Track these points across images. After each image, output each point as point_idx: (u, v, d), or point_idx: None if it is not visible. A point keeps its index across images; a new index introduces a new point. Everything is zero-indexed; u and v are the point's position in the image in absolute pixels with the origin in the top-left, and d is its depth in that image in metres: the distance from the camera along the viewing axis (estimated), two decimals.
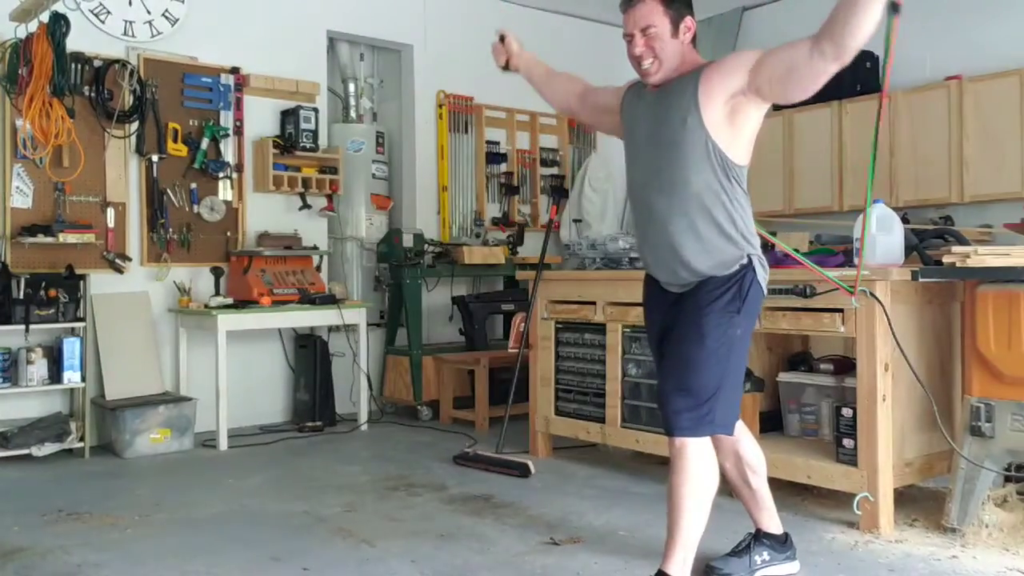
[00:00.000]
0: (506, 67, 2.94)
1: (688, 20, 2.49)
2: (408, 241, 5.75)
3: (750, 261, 2.50)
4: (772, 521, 2.82)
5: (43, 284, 4.52)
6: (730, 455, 2.72)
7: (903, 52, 6.36)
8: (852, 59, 2.22)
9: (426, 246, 5.93)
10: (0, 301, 4.44)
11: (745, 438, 2.74)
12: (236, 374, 5.06)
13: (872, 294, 3.04)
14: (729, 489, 2.83)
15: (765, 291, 2.58)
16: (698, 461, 2.44)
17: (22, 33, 4.39)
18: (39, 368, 4.52)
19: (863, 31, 2.14)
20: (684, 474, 2.44)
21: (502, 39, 2.91)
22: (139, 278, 5.10)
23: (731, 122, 2.43)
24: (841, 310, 3.19)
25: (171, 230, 5.18)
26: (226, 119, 5.41)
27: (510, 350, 4.90)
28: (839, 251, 3.57)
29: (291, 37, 5.70)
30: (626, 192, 2.74)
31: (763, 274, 2.54)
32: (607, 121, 2.85)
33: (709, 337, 2.44)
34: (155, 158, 5.11)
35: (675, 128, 2.46)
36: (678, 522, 2.45)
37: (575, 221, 6.77)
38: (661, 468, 2.59)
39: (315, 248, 5.62)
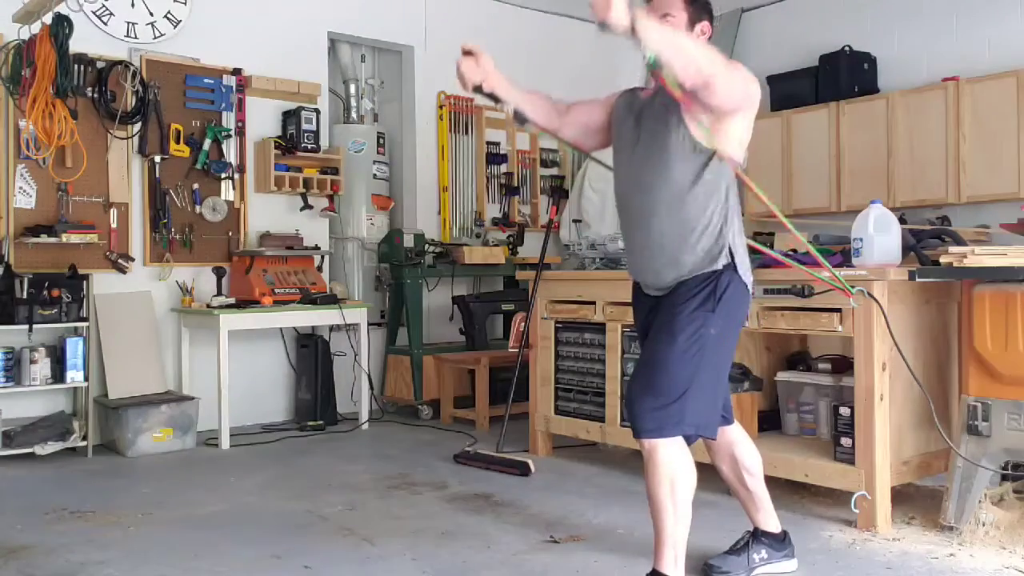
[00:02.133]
0: (478, 88, 2.51)
1: (705, 24, 2.54)
2: (409, 241, 5.77)
3: (731, 262, 2.51)
4: (770, 520, 2.83)
5: (46, 284, 4.54)
6: (726, 458, 2.74)
7: (901, 52, 6.40)
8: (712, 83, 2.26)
9: (427, 246, 5.95)
10: (3, 301, 4.46)
11: (742, 441, 2.75)
12: (238, 373, 5.08)
13: (870, 294, 3.06)
14: (727, 488, 2.85)
15: (751, 292, 2.60)
16: (668, 462, 2.43)
17: (25, 34, 4.40)
18: (42, 367, 4.54)
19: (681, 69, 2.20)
20: (657, 477, 2.44)
21: (469, 53, 2.47)
22: (142, 278, 5.13)
23: (717, 125, 2.45)
24: (839, 310, 3.21)
25: (173, 230, 5.20)
26: (228, 120, 5.43)
27: (510, 350, 4.92)
28: (837, 252, 3.59)
29: (292, 38, 5.72)
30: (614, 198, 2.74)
31: (746, 275, 2.55)
32: (591, 140, 2.79)
33: (680, 336, 2.44)
34: (157, 159, 5.14)
35: (661, 132, 2.48)
36: (662, 523, 2.46)
37: (575, 221, 6.78)
38: None
39: (316, 248, 5.64)
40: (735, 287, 2.50)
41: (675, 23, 2.49)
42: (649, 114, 2.54)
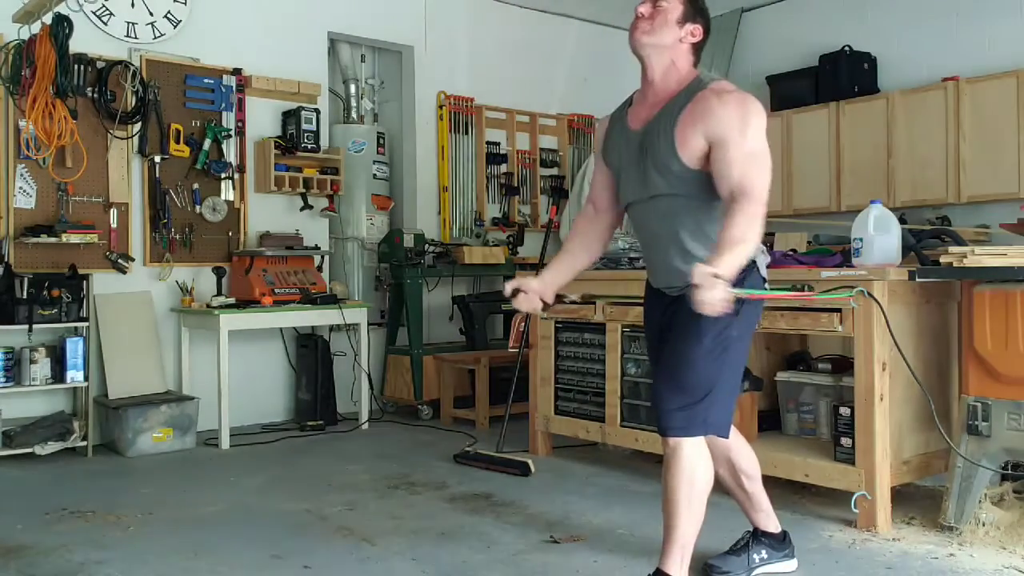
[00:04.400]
0: (545, 306, 2.69)
1: (697, 27, 2.49)
2: (409, 241, 5.77)
3: (751, 265, 2.50)
4: (769, 521, 2.83)
5: (46, 284, 4.54)
6: (723, 462, 2.73)
7: (901, 52, 6.40)
8: None
9: (427, 246, 5.95)
10: (4, 301, 4.46)
11: (738, 446, 2.74)
12: (238, 373, 5.08)
13: (870, 294, 3.06)
14: (725, 489, 2.85)
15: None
16: (693, 461, 2.43)
17: (25, 34, 4.41)
18: (42, 367, 4.54)
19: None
20: (679, 475, 2.43)
21: (515, 292, 2.65)
22: (142, 278, 5.13)
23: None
24: (839, 310, 3.21)
25: (173, 230, 5.20)
26: (228, 120, 5.43)
27: (510, 350, 4.92)
28: (837, 251, 3.59)
29: (292, 38, 5.72)
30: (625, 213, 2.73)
31: (761, 279, 2.54)
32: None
33: (706, 337, 2.43)
34: (157, 159, 5.13)
35: (662, 173, 2.44)
36: (674, 521, 2.46)
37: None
38: (660, 466, 2.60)
39: (316, 248, 5.64)
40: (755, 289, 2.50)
41: (667, 9, 2.45)
42: (649, 142, 2.48)
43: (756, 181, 2.28)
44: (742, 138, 2.31)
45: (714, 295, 2.06)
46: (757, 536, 2.82)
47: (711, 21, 2.56)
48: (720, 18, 7.03)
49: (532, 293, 2.62)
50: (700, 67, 2.53)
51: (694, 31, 2.49)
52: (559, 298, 2.73)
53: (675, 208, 2.47)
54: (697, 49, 2.51)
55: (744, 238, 2.22)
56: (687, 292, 2.51)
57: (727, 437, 2.60)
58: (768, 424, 3.83)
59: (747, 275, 2.49)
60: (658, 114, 2.47)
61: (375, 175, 6.21)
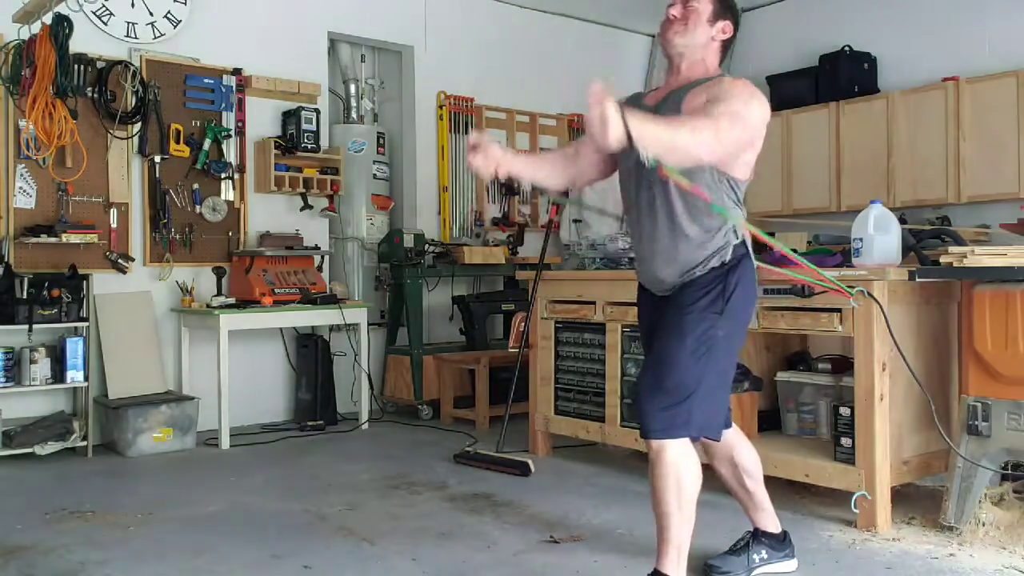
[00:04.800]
0: (495, 178, 2.56)
1: (728, 23, 2.55)
2: (409, 241, 5.77)
3: (738, 263, 2.50)
4: (770, 520, 2.83)
5: (46, 284, 4.54)
6: (725, 461, 2.73)
7: (901, 52, 6.40)
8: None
9: (427, 246, 5.95)
10: (4, 301, 4.46)
11: (740, 444, 2.74)
12: (238, 373, 5.08)
13: (870, 294, 3.06)
14: (727, 488, 2.85)
15: (757, 293, 2.60)
16: (678, 463, 2.40)
17: (25, 34, 4.41)
18: (42, 367, 4.54)
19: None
20: (665, 478, 2.41)
21: (474, 147, 2.45)
22: (142, 278, 5.13)
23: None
24: (839, 310, 3.21)
25: (173, 230, 5.20)
26: (228, 120, 5.43)
27: (510, 350, 4.92)
28: (837, 251, 3.59)
29: (292, 38, 5.72)
30: (622, 206, 2.73)
31: (751, 277, 2.54)
32: (607, 167, 2.74)
33: (689, 336, 2.42)
34: (157, 159, 5.13)
35: None
36: (665, 524, 2.45)
37: (575, 221, 6.79)
38: None
39: (316, 248, 5.64)
40: (741, 290, 2.49)
41: (699, 9, 2.51)
42: (659, 112, 2.50)
43: (727, 124, 2.27)
44: (737, 105, 2.33)
45: (604, 110, 2.00)
46: (757, 536, 2.82)
47: (739, 16, 2.60)
48: None
49: (491, 158, 2.44)
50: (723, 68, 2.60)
51: (725, 28, 2.56)
52: (510, 180, 2.70)
53: (670, 203, 2.48)
54: (726, 46, 2.59)
55: (672, 125, 2.20)
56: (674, 292, 2.54)
57: (718, 439, 2.59)
58: (768, 424, 3.84)
59: (739, 261, 2.49)
60: (673, 91, 2.53)
61: (375, 175, 6.21)
